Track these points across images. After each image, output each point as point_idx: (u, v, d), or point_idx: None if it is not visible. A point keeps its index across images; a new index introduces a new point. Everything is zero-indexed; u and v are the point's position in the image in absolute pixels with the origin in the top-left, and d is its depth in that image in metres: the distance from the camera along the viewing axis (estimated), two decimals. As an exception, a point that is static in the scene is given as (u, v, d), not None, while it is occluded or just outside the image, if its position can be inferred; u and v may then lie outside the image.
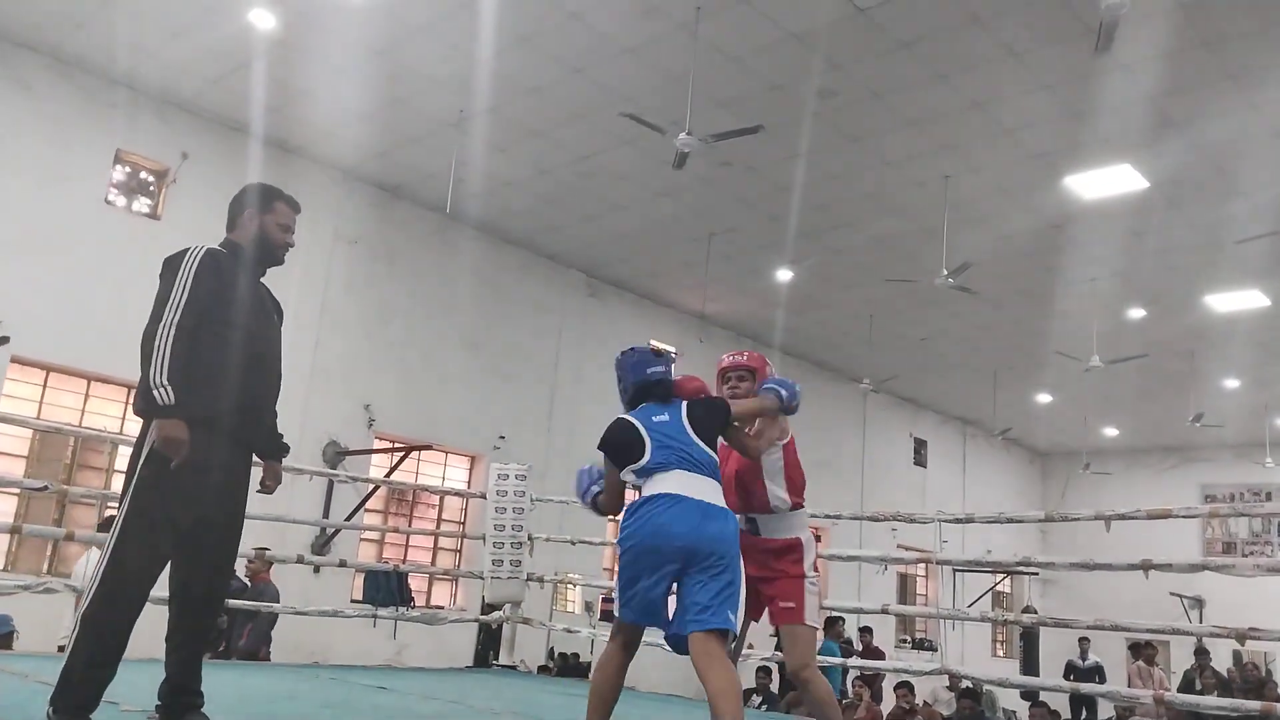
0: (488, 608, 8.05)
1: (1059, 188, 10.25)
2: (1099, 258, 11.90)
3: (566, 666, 11.30)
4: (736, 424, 3.52)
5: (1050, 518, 6.15)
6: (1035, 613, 16.28)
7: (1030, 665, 15.72)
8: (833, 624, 12.68)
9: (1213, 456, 20.01)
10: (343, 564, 8.25)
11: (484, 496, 7.96)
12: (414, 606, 10.17)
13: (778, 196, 10.92)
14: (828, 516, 7.06)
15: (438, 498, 12.31)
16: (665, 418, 3.51)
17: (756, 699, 10.84)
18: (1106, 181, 10.03)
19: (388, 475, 10.86)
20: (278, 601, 7.77)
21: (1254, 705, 5.63)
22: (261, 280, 3.36)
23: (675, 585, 3.23)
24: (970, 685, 9.21)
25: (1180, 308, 13.35)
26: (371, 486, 10.48)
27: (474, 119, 9.77)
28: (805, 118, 9.25)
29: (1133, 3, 6.37)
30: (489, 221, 12.41)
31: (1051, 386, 17.46)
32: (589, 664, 11.64)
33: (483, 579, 7.67)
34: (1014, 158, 9.78)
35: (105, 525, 7.73)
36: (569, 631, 8.67)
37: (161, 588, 3.07)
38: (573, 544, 7.99)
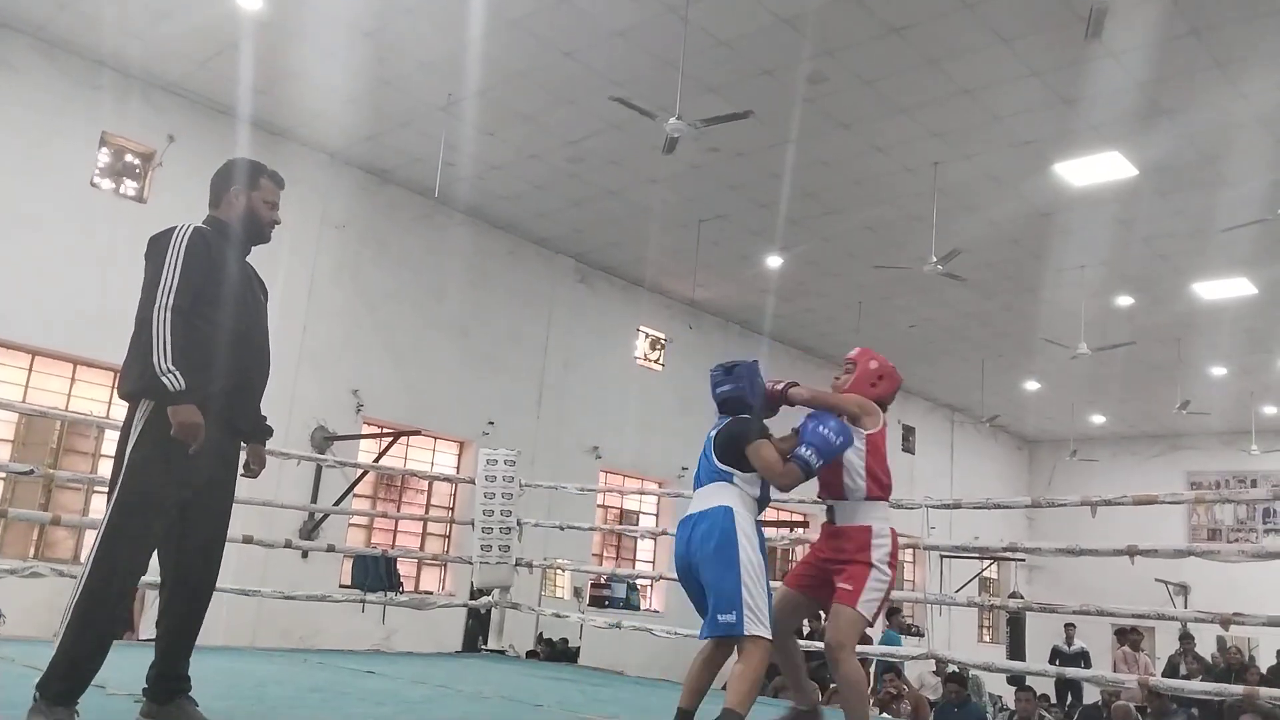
0: (476, 593, 8.05)
1: (1048, 175, 10.26)
2: (1087, 245, 11.93)
3: (555, 651, 11.33)
4: (761, 447, 3.60)
5: (1037, 503, 6.17)
6: (1022, 598, 16.37)
7: (1016, 650, 15.83)
8: (894, 613, 12.76)
9: (1199, 444, 20.14)
10: (331, 549, 8.24)
11: (473, 482, 7.96)
12: (403, 591, 10.18)
13: (767, 183, 10.90)
14: (815, 502, 7.10)
15: (426, 483, 12.31)
16: (714, 434, 3.74)
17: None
18: (1095, 169, 10.04)
19: (376, 460, 10.84)
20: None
21: (1236, 689, 5.70)
22: (247, 259, 3.32)
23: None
24: (957, 670, 9.26)
25: (1168, 295, 13.41)
26: (360, 471, 10.46)
27: (463, 102, 9.72)
28: (795, 103, 9.23)
29: (1123, -11, 6.37)
30: (478, 206, 12.37)
31: (1039, 374, 17.53)
32: (577, 649, 11.68)
33: (471, 564, 7.68)
34: (1004, 145, 9.79)
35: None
36: (557, 616, 8.69)
37: (153, 573, 3.07)
38: (561, 529, 7.99)
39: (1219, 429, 18.93)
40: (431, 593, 11.95)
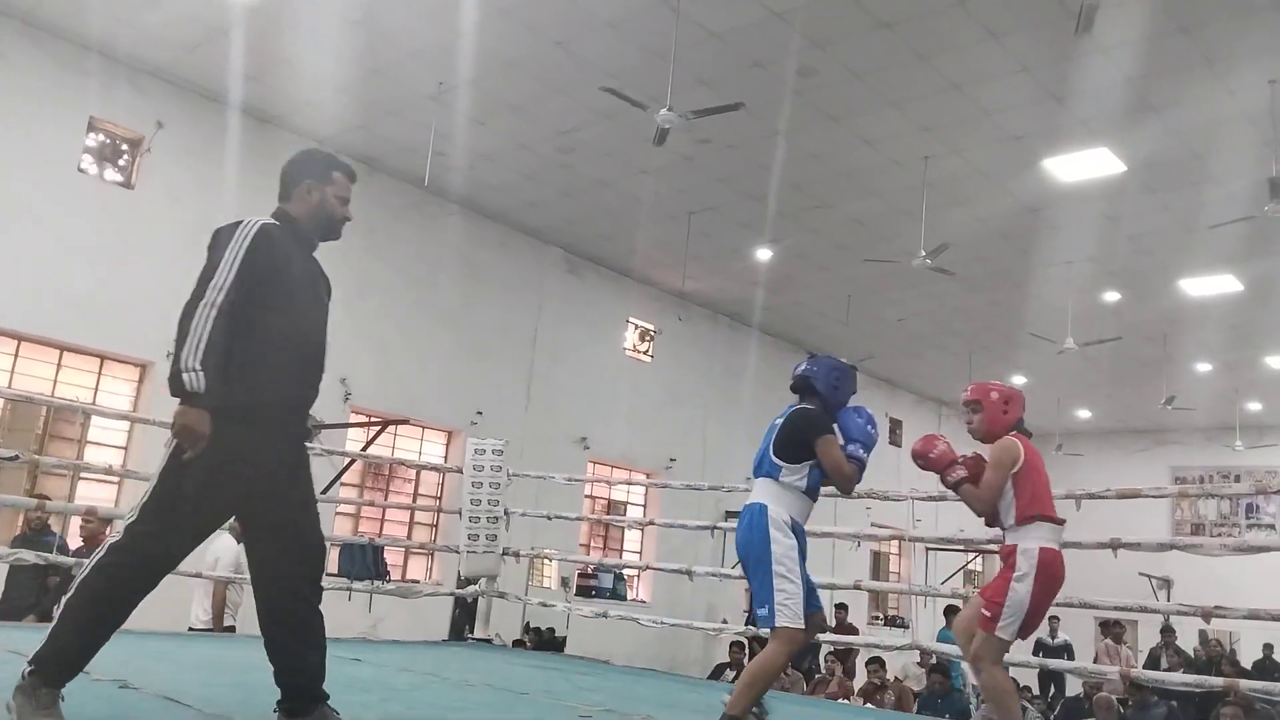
0: (464, 582, 8.06)
1: (1037, 170, 10.30)
2: (1075, 241, 11.98)
3: (541, 640, 11.37)
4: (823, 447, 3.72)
5: (1021, 496, 6.20)
6: (1006, 591, 16.46)
7: (1000, 643, 15.91)
8: (952, 612, 12.72)
9: (1183, 439, 20.26)
10: (318, 537, 8.22)
11: (460, 471, 7.96)
12: (389, 580, 10.18)
13: (757, 175, 10.92)
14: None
15: (414, 472, 12.31)
16: (778, 421, 3.86)
17: (730, 673, 10.94)
18: (1084, 165, 10.08)
19: (364, 449, 10.84)
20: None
21: (1216, 681, 5.76)
22: (314, 256, 3.18)
23: None
24: (940, 661, 9.32)
25: (1154, 292, 13.48)
26: (347, 460, 10.45)
27: (454, 91, 9.70)
28: (785, 96, 9.24)
29: (1112, -14, 6.40)
30: (468, 196, 12.35)
31: (1026, 368, 17.61)
32: (564, 638, 11.71)
33: (458, 553, 7.69)
34: (993, 139, 9.82)
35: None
36: (544, 606, 8.71)
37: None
38: (549, 519, 8.01)
39: (1204, 425, 19.05)
40: (418, 582, 11.96)
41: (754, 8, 7.99)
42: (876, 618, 18.60)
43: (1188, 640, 13.73)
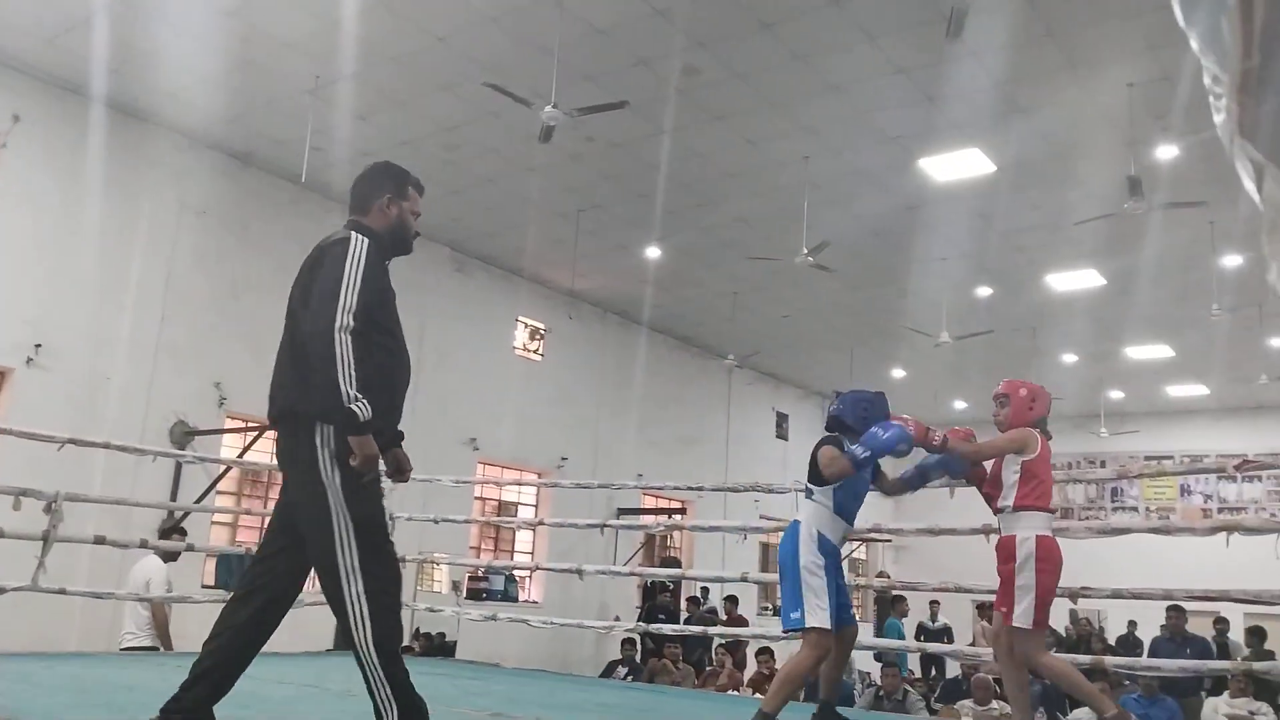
0: (348, 589, 7.84)
1: (913, 170, 10.60)
2: (949, 238, 12.38)
3: (431, 646, 11.17)
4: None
5: (900, 486, 6.37)
6: (888, 577, 16.95)
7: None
8: (898, 601, 12.89)
9: (1052, 427, 20.77)
10: (190, 548, 7.90)
11: (343, 475, 7.74)
12: (271, 590, 9.85)
13: (644, 174, 10.95)
14: (690, 489, 7.22)
15: (296, 478, 11.92)
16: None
17: (622, 670, 10.96)
18: (957, 165, 10.43)
19: (240, 455, 10.45)
20: None
21: (1085, 659, 6.04)
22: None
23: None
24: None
25: (1023, 286, 14.05)
26: (223, 468, 10.07)
27: (332, 85, 9.43)
28: (670, 95, 9.29)
29: (981, -9, 6.62)
30: (348, 193, 12.01)
31: (904, 362, 18.16)
32: (454, 643, 11.54)
33: (342, 559, 7.47)
34: (870, 140, 10.07)
35: (164, 534, 7.41)
36: (431, 611, 8.57)
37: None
38: (435, 523, 7.86)
39: (1070, 413, 19.92)
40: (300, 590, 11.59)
41: (637, 4, 8.00)
42: (766, 608, 18.90)
43: (1059, 620, 14.37)
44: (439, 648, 11.14)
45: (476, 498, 14.12)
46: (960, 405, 20.97)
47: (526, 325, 15.33)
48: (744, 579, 6.64)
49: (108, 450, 7.36)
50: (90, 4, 8.30)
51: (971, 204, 11.41)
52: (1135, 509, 20.69)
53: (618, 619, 12.53)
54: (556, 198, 11.88)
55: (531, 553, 14.69)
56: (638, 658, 11.38)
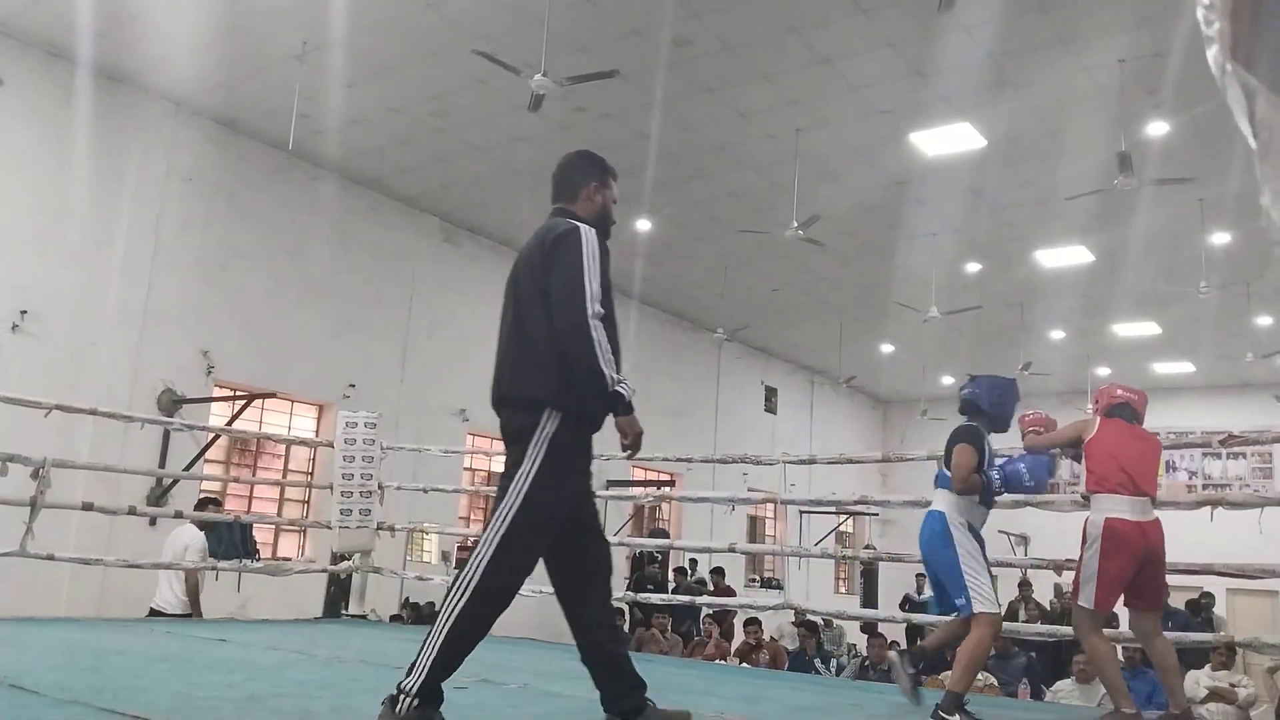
0: (337, 558, 7.89)
1: (903, 144, 10.59)
2: (939, 213, 12.39)
3: (420, 615, 11.22)
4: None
5: (887, 458, 6.44)
6: (875, 550, 17.10)
7: (870, 599, 16.53)
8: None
9: (1040, 404, 20.78)
10: (178, 515, 7.91)
11: (332, 445, 7.77)
12: (259, 558, 9.88)
13: (634, 145, 10.89)
14: (680, 460, 7.25)
15: (283, 447, 11.93)
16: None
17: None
18: (947, 139, 10.42)
19: (229, 424, 10.44)
20: None
21: (1067, 630, 6.10)
22: None
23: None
24: (809, 619, 9.61)
25: (1012, 262, 14.08)
26: (211, 436, 10.06)
27: (320, 51, 9.34)
28: (660, 66, 9.23)
29: (974, -36, 6.59)
30: (338, 161, 11.96)
31: (893, 337, 18.20)
32: (442, 612, 11.58)
33: (331, 529, 7.51)
34: (861, 114, 10.04)
35: (200, 505, 7.41)
36: (420, 580, 8.61)
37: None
38: (425, 492, 7.89)
39: (1058, 389, 20.01)
40: (290, 559, 11.64)
41: (629, -26, 7.94)
42: (753, 580, 19.05)
43: (1044, 593, 14.50)
44: (428, 617, 11.17)
45: (466, 468, 14.15)
46: (948, 380, 21.06)
47: (516, 296, 15.28)
48: (731, 549, 6.69)
49: (95, 417, 7.36)
50: (74, -34, 8.21)
51: (961, 179, 11.40)
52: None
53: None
54: (546, 168, 11.58)
55: (520, 523, 14.71)
56: (626, 628, 11.46)
